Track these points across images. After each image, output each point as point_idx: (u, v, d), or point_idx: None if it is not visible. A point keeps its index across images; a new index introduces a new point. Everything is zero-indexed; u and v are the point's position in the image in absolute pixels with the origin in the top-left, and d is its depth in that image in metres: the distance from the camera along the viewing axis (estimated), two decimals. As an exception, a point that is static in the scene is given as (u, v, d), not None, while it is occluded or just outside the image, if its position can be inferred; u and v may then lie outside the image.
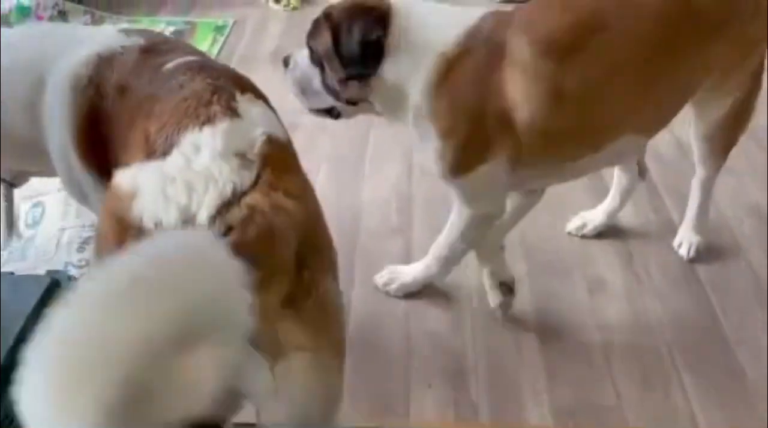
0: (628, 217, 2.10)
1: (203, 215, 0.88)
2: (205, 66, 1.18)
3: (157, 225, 0.88)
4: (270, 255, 0.89)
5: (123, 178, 0.95)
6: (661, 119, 1.63)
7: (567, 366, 1.70)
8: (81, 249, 1.98)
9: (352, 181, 2.34)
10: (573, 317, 1.84)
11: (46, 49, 1.33)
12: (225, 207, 0.89)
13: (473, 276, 1.93)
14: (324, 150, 2.45)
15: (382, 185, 2.32)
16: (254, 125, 1.01)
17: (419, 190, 2.29)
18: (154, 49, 1.27)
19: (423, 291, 1.89)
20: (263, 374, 0.88)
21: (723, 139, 1.77)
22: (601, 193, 2.11)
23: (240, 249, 0.82)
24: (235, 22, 3.39)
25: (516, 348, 1.75)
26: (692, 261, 1.97)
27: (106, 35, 1.34)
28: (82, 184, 1.30)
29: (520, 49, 1.44)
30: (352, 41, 1.47)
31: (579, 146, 1.54)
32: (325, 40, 1.51)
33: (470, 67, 1.46)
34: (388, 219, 2.17)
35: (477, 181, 1.55)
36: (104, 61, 1.25)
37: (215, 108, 1.02)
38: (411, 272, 1.87)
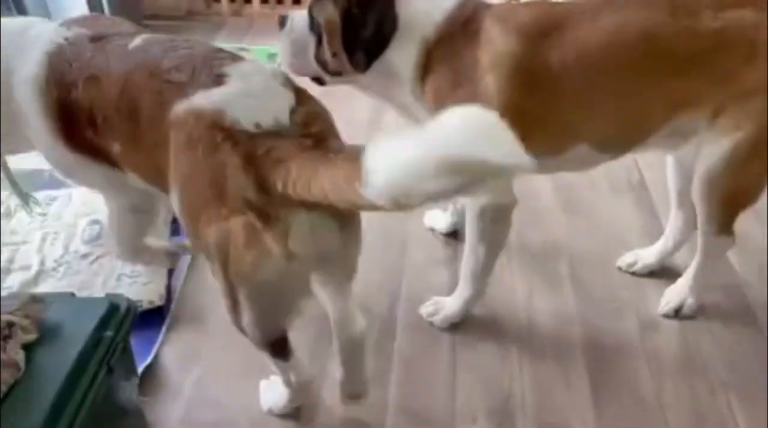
0: (683, 257, 2.05)
1: (285, 116, 1.16)
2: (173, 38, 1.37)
3: (257, 125, 1.13)
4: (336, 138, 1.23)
5: (198, 102, 1.16)
6: (619, 140, 1.62)
7: (617, 403, 1.66)
8: (134, 263, 2.02)
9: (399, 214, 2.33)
10: (623, 353, 1.80)
11: (8, 53, 1.44)
12: (292, 111, 1.17)
13: (522, 308, 1.91)
14: None
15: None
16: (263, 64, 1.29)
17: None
18: (101, 35, 1.40)
19: (470, 323, 1.88)
20: None
21: (727, 191, 1.62)
22: (657, 233, 2.09)
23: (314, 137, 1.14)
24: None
25: (564, 383, 1.72)
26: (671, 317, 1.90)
27: (48, 31, 1.44)
28: (67, 162, 1.48)
29: (495, 35, 1.49)
30: (366, 28, 1.52)
31: (543, 142, 1.51)
32: (332, 16, 1.53)
33: (449, 52, 1.52)
34: (435, 250, 2.16)
35: None
36: (54, 57, 1.38)
37: (230, 54, 1.28)
38: (453, 303, 1.86)
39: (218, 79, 1.19)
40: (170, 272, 2.06)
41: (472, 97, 1.48)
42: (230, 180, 1.11)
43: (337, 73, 1.62)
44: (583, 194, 2.41)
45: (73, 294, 1.20)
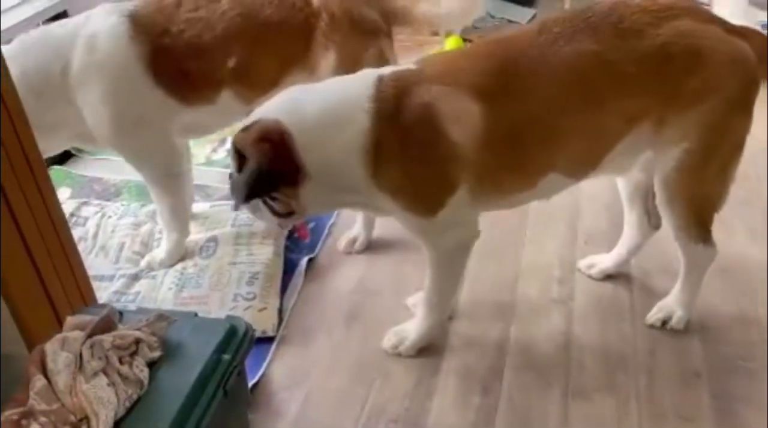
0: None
1: None
2: None
3: None
4: None
5: None
6: (583, 163, 1.65)
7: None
8: (250, 282, 2.08)
9: (512, 243, 2.27)
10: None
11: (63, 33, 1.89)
12: None
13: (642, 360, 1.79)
14: None
15: (544, 251, 2.24)
16: None
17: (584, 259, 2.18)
18: None
19: (586, 370, 1.78)
20: None
21: (686, 202, 1.66)
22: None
23: None
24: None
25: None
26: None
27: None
28: (142, 107, 1.89)
29: (449, 97, 1.49)
30: (262, 185, 1.49)
31: (518, 179, 1.62)
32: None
33: (399, 130, 1.49)
34: (549, 290, 2.08)
35: (450, 213, 1.58)
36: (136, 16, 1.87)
37: None
38: (417, 329, 1.85)
39: None
40: (283, 293, 2.11)
41: (442, 168, 1.52)
42: None
43: (287, 214, 1.60)
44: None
45: (195, 314, 1.24)
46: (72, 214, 2.45)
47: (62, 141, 2.11)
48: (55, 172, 2.77)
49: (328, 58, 1.93)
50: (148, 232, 2.33)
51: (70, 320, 1.12)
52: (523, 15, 3.92)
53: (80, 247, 2.25)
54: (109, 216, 2.43)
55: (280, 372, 1.85)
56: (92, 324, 1.07)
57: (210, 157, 2.82)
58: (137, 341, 1.07)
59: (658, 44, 1.50)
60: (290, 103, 1.55)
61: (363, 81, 1.54)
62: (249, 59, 1.91)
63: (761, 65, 1.58)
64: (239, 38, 1.90)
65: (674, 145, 1.59)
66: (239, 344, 1.14)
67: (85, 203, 2.52)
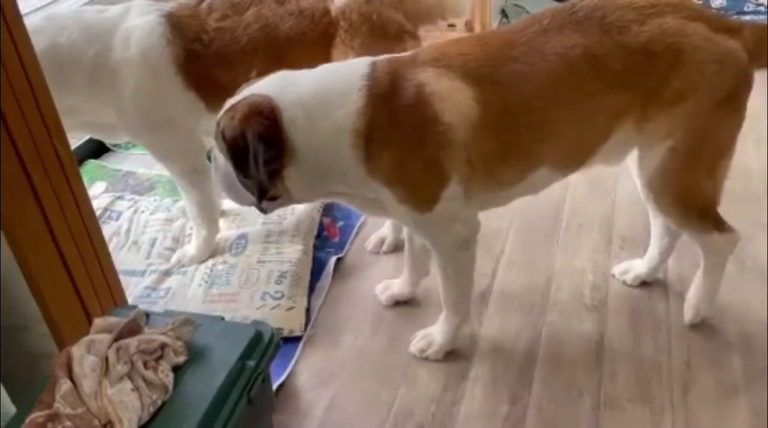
0: None
1: None
2: None
3: None
4: None
5: None
6: (574, 156, 1.64)
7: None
8: (279, 281, 2.08)
9: (545, 246, 2.23)
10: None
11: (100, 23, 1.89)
12: None
13: (676, 372, 1.73)
14: (515, 205, 2.32)
15: (577, 256, 2.18)
16: None
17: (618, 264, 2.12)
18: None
19: (619, 379, 1.73)
20: None
21: (673, 199, 1.66)
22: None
23: None
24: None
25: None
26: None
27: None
28: (171, 106, 1.91)
29: (442, 78, 1.47)
30: (248, 161, 1.43)
31: (507, 172, 1.60)
32: (225, 153, 1.50)
33: (392, 111, 1.46)
34: (581, 296, 2.03)
35: (446, 208, 1.55)
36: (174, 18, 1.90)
37: None
38: (443, 332, 1.83)
39: None
40: (310, 292, 2.10)
41: (435, 154, 1.48)
42: None
43: (272, 198, 1.57)
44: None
45: (222, 318, 1.23)
46: (106, 209, 2.49)
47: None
48: (90, 165, 2.81)
49: None
50: (180, 228, 2.35)
51: (97, 322, 1.12)
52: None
53: (113, 242, 2.32)
54: (142, 211, 2.46)
55: (306, 372, 1.85)
56: (119, 327, 1.07)
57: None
58: (163, 345, 1.06)
59: (641, 41, 1.51)
60: (281, 80, 1.52)
61: (357, 63, 1.53)
62: (269, 72, 1.90)
63: (758, 59, 1.56)
64: (260, 52, 1.91)
65: (658, 143, 1.59)
66: (264, 350, 1.14)
67: (119, 197, 2.55)
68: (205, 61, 1.91)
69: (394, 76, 1.48)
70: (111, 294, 1.44)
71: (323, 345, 1.93)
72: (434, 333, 1.86)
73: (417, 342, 1.87)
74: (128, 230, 2.38)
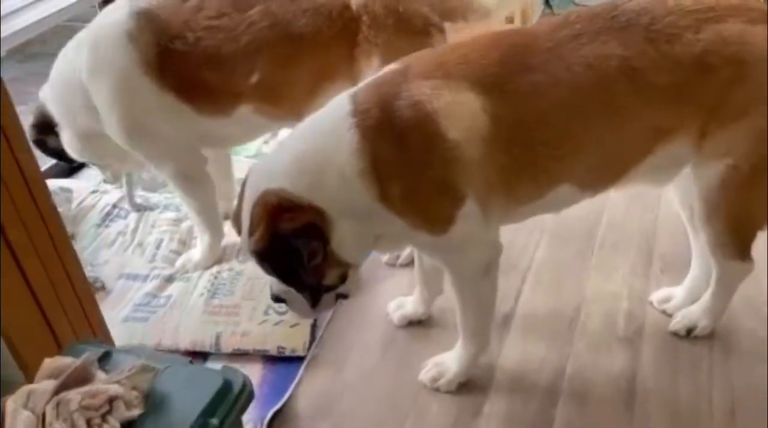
0: None
1: None
2: None
3: None
4: None
5: None
6: (602, 175, 1.50)
7: None
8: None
9: (577, 265, 2.03)
10: None
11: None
12: None
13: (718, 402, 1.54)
14: (546, 217, 2.02)
15: (612, 279, 1.98)
16: None
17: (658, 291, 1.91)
18: None
19: (648, 401, 1.55)
20: None
21: (727, 219, 1.50)
22: None
23: None
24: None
25: None
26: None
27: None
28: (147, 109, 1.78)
29: (441, 90, 1.32)
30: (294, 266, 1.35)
31: (524, 188, 1.45)
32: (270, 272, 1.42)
33: (391, 138, 1.32)
34: (614, 325, 1.83)
35: (463, 229, 1.40)
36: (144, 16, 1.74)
37: None
38: (457, 361, 1.67)
39: None
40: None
41: (445, 173, 1.34)
42: None
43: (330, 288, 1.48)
44: None
45: (191, 362, 1.09)
46: (115, 206, 2.40)
47: (108, 155, 2.06)
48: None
49: (372, 64, 1.73)
50: (187, 230, 2.24)
51: (46, 364, 0.99)
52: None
53: (117, 243, 2.23)
54: (152, 209, 2.35)
55: (307, 397, 1.71)
56: (65, 374, 0.94)
57: (261, 149, 2.69)
58: (112, 399, 0.93)
59: (696, 52, 1.34)
60: (264, 167, 1.42)
61: (337, 102, 1.40)
62: (276, 75, 1.75)
63: None
64: (267, 53, 1.75)
65: (716, 160, 1.44)
66: (232, 405, 0.99)
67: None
68: (188, 61, 1.75)
69: (383, 100, 1.33)
70: (88, 322, 1.32)
71: (327, 367, 1.79)
72: (448, 361, 1.70)
73: (429, 370, 1.71)
74: (135, 229, 2.28)
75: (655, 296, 1.88)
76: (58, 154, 2.08)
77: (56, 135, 1.99)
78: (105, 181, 2.33)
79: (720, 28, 1.34)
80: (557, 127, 1.38)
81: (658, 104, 1.38)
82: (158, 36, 1.74)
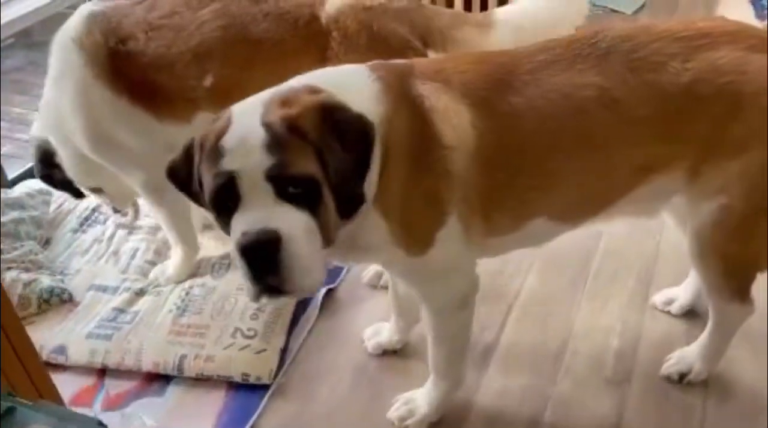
0: None
1: None
2: None
3: None
4: None
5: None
6: (582, 209, 1.40)
7: None
8: (254, 316, 1.86)
9: (568, 295, 1.90)
10: None
11: None
12: None
13: None
14: None
15: (605, 312, 1.84)
16: None
17: (653, 330, 1.77)
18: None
19: None
20: None
21: (721, 260, 1.39)
22: None
23: None
24: None
25: None
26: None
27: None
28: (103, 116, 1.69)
29: (440, 96, 1.25)
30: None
31: (500, 219, 1.35)
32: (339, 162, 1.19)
33: (399, 121, 1.23)
34: (602, 364, 1.70)
35: (442, 253, 1.31)
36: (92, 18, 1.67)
37: None
38: (428, 399, 1.57)
39: None
40: (293, 326, 1.87)
41: (437, 183, 1.25)
42: None
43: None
44: None
45: (99, 423, 0.99)
46: (94, 210, 2.32)
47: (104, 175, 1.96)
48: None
49: None
50: (163, 240, 2.14)
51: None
52: (629, 4, 3.41)
53: (92, 250, 2.15)
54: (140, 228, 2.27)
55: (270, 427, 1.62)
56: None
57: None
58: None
59: (683, 82, 1.23)
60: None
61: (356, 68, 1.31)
62: (231, 79, 1.63)
63: None
64: (218, 54, 1.64)
65: (708, 199, 1.33)
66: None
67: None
68: (139, 64, 1.65)
69: (401, 80, 1.26)
70: (34, 386, 1.24)
71: (294, 397, 1.70)
72: (419, 399, 1.59)
73: (398, 408, 1.61)
74: (111, 237, 2.20)
75: (657, 299, 1.83)
76: (66, 185, 2.00)
77: (59, 167, 1.92)
78: (114, 211, 2.22)
79: (713, 56, 1.22)
80: (534, 155, 1.30)
81: (643, 138, 1.28)
82: (107, 38, 1.66)
